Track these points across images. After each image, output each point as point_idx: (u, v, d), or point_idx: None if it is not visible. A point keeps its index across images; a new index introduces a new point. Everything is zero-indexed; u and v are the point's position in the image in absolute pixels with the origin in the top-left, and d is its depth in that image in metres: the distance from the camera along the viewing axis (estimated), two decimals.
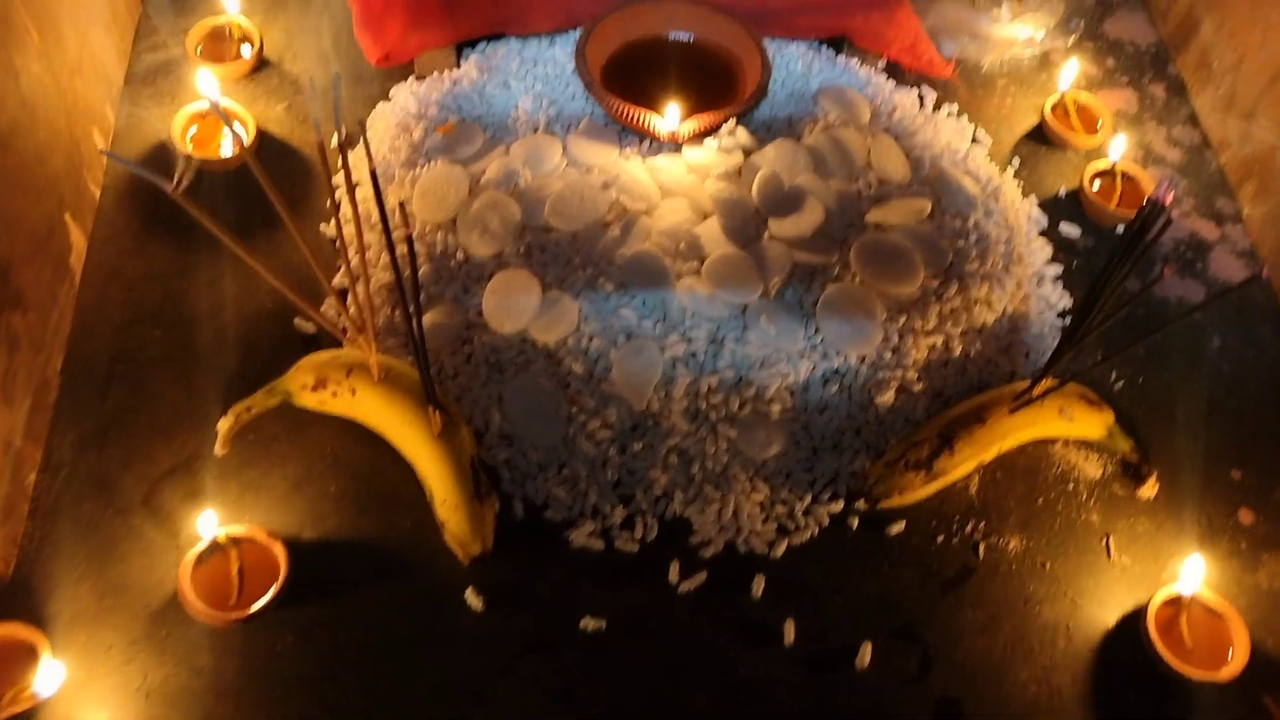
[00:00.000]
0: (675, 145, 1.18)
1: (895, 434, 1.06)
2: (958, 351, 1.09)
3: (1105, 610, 0.98)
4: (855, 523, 1.01)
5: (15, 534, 0.92)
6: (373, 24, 1.25)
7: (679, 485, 1.01)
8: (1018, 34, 1.43)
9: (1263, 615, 0.99)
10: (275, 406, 0.99)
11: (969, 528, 1.02)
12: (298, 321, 1.08)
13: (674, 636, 0.94)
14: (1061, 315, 1.18)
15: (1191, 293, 1.23)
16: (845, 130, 1.21)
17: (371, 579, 0.95)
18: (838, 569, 0.99)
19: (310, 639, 0.91)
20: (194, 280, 1.11)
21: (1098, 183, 1.29)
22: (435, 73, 1.28)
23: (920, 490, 1.01)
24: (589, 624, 0.93)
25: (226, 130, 1.19)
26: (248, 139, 1.19)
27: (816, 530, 1.00)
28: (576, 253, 1.08)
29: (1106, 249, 1.25)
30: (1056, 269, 1.21)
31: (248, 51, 1.28)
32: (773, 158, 1.17)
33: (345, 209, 1.10)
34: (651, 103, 1.17)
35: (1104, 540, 1.03)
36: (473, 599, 0.93)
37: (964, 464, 1.02)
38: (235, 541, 0.92)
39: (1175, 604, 0.96)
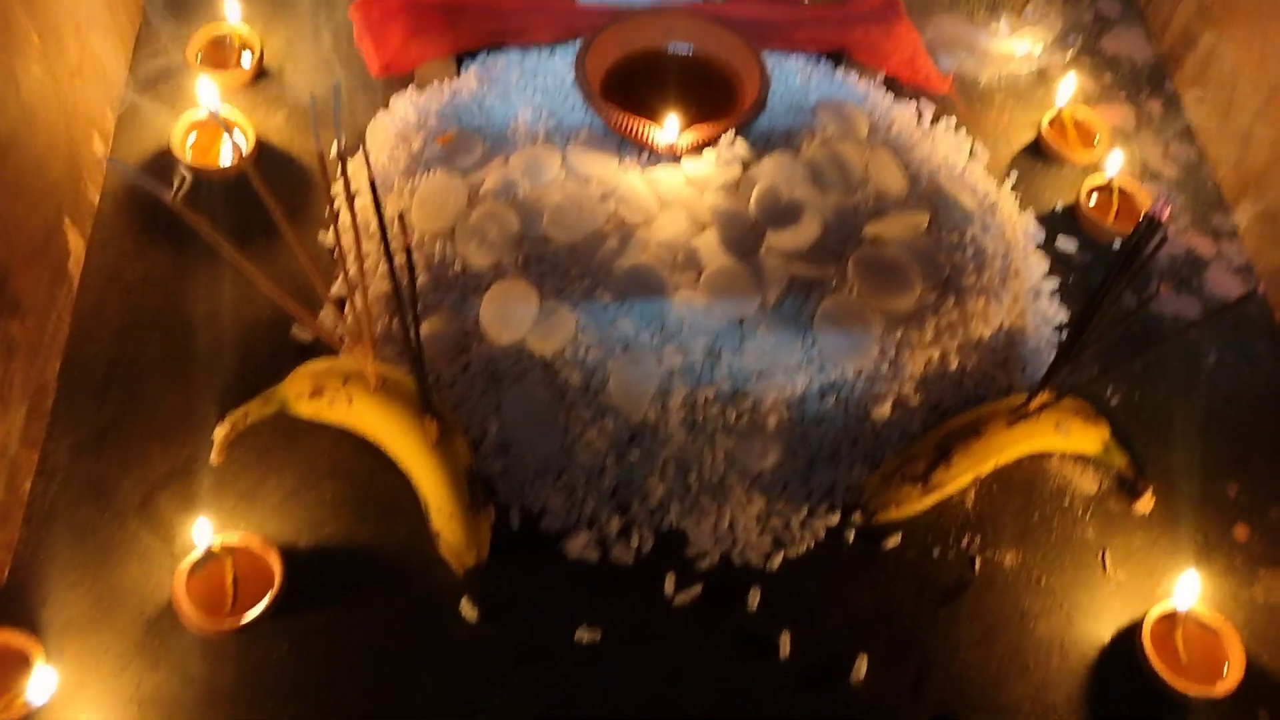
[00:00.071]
0: (674, 157, 1.19)
1: (892, 447, 1.06)
2: (954, 365, 1.09)
3: (1100, 625, 0.98)
4: (851, 535, 1.01)
5: (10, 540, 0.92)
6: (373, 34, 1.26)
7: (676, 496, 1.01)
8: (1015, 49, 1.44)
9: (1258, 630, 0.99)
10: (272, 414, 0.99)
11: (965, 541, 1.02)
12: (295, 330, 1.08)
13: (669, 648, 0.94)
14: (1058, 329, 1.18)
15: (1187, 308, 1.24)
16: (843, 144, 1.22)
17: (367, 588, 0.94)
18: (834, 581, 0.99)
19: (305, 648, 0.90)
20: (192, 287, 1.11)
21: (1094, 198, 1.29)
22: (435, 83, 1.29)
23: (917, 503, 1.01)
24: (584, 635, 0.93)
25: (226, 138, 1.19)
26: (247, 147, 1.19)
27: (812, 543, 1.00)
28: (575, 263, 1.08)
29: (1103, 264, 1.25)
30: (1053, 283, 1.22)
31: (248, 60, 1.29)
32: (771, 170, 1.17)
33: (344, 218, 1.11)
34: (650, 114, 1.17)
35: (1100, 555, 1.03)
36: (467, 609, 0.93)
37: (960, 477, 1.02)
38: (230, 550, 0.92)
39: (1170, 619, 0.96)
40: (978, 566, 1.01)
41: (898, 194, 1.18)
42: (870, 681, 0.93)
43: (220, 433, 0.97)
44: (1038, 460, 1.08)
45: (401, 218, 1.13)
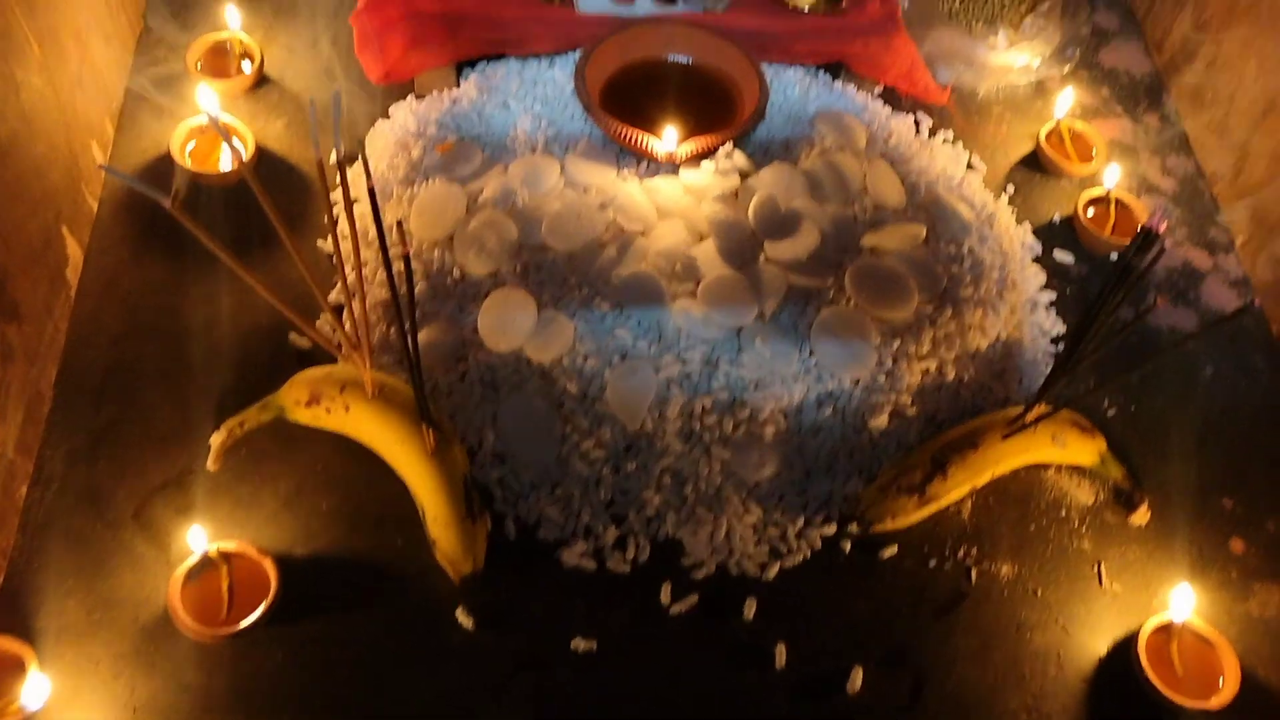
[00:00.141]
0: (672, 167, 1.19)
1: (888, 458, 1.06)
2: (951, 376, 1.10)
3: (1096, 637, 0.98)
4: (848, 546, 1.01)
5: (5, 546, 0.92)
6: (373, 42, 1.26)
7: (672, 506, 1.01)
8: (1013, 62, 1.44)
9: (1253, 644, 0.99)
10: (268, 422, 0.99)
11: (961, 553, 1.02)
12: (293, 337, 1.08)
13: (665, 658, 0.94)
14: (1054, 341, 1.19)
15: (1184, 321, 1.24)
16: (841, 155, 1.22)
17: (362, 596, 0.94)
18: (830, 592, 0.99)
19: (300, 656, 0.90)
20: (190, 294, 1.11)
21: (1092, 210, 1.29)
22: (435, 92, 1.29)
23: (913, 514, 1.02)
24: (580, 644, 0.93)
25: (225, 146, 1.20)
26: (247, 155, 1.19)
27: (809, 553, 1.00)
28: (573, 272, 1.09)
29: (1100, 276, 1.25)
30: (1050, 295, 1.22)
31: (248, 67, 1.29)
32: (769, 181, 1.17)
33: (343, 225, 1.11)
34: (649, 125, 1.18)
35: (1095, 567, 1.03)
36: (463, 618, 0.93)
37: (957, 489, 1.02)
38: (226, 557, 0.92)
39: (1166, 632, 0.96)
40: (974, 578, 1.01)
41: (896, 205, 1.18)
42: (866, 693, 0.93)
43: (217, 440, 0.97)
44: (1034, 472, 1.08)
45: (400, 226, 1.12)
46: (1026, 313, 1.19)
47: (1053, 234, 1.29)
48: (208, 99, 1.18)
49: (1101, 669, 0.96)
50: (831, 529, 1.02)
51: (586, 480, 1.01)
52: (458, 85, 1.30)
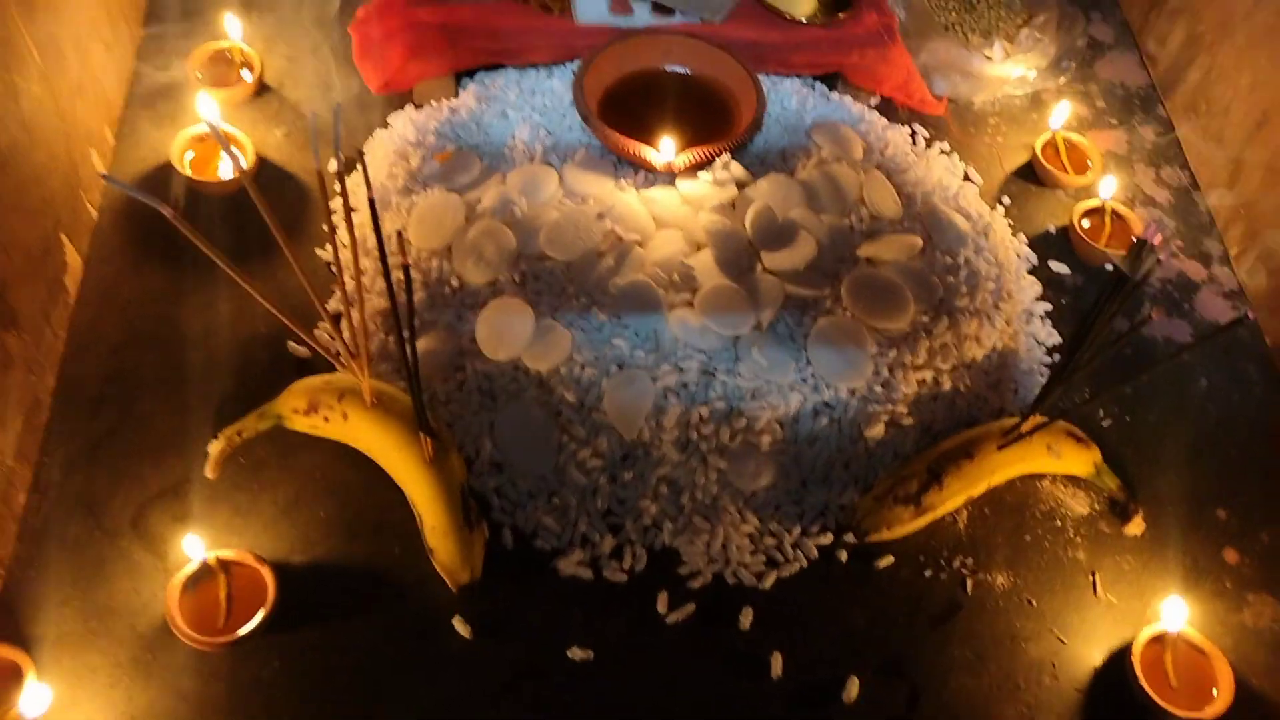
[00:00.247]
0: (670, 177, 1.19)
1: (884, 468, 1.06)
2: (947, 386, 1.10)
3: (1091, 647, 0.99)
4: (844, 556, 1.02)
5: (3, 554, 0.92)
6: (373, 52, 1.26)
7: (668, 515, 1.01)
8: (1009, 73, 1.45)
9: (1247, 654, 0.99)
10: (267, 430, 1.00)
11: (957, 563, 1.03)
12: (291, 345, 1.09)
13: (662, 667, 0.94)
14: (1050, 352, 1.19)
15: (1179, 332, 1.24)
16: (838, 166, 1.22)
17: (360, 604, 0.94)
18: (826, 602, 0.99)
19: (297, 664, 0.90)
20: (188, 303, 1.11)
21: (1087, 221, 1.30)
22: (434, 101, 1.30)
23: (909, 524, 1.02)
24: (577, 653, 0.93)
25: (225, 154, 1.20)
26: (246, 163, 1.20)
27: (805, 563, 1.01)
28: (570, 282, 1.09)
29: (1095, 287, 1.26)
30: (1045, 306, 1.23)
31: (248, 76, 1.29)
32: (766, 191, 1.18)
33: (341, 234, 1.11)
34: (647, 135, 1.18)
35: (1090, 577, 1.03)
36: (461, 627, 0.93)
37: (953, 499, 1.02)
38: (224, 565, 0.92)
39: (1160, 642, 0.97)
40: (970, 588, 1.01)
41: (892, 216, 1.19)
42: (862, 702, 0.93)
43: (215, 448, 0.97)
44: (1029, 482, 1.09)
45: (400, 235, 1.13)
46: (1022, 323, 1.20)
47: (1048, 245, 1.30)
48: (208, 108, 1.18)
49: (1096, 679, 0.97)
50: (828, 539, 1.02)
51: (584, 489, 1.01)
52: (456, 95, 1.31)
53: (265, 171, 1.23)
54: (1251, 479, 1.12)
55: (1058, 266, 1.27)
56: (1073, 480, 1.09)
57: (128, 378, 1.05)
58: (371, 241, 1.12)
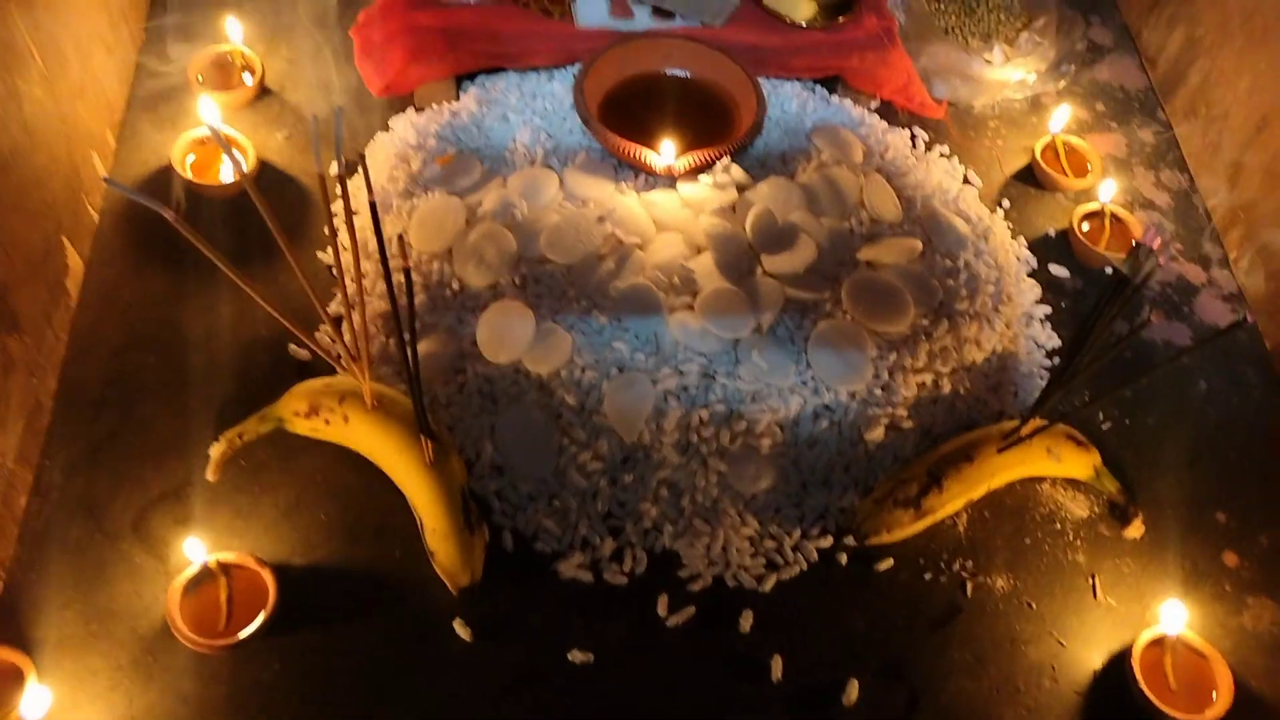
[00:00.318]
0: (670, 180, 1.20)
1: (884, 471, 1.06)
2: (947, 389, 1.10)
3: (1090, 651, 0.99)
4: (844, 559, 1.02)
5: (4, 557, 0.92)
6: (374, 55, 1.27)
7: (669, 518, 1.01)
8: (1009, 77, 1.45)
9: (1246, 657, 0.99)
10: (268, 433, 1.00)
11: (957, 566, 1.03)
12: (292, 348, 1.09)
13: (662, 669, 0.94)
14: (1049, 355, 1.19)
15: (1178, 335, 1.25)
16: (838, 169, 1.23)
17: (360, 607, 0.95)
18: (826, 605, 0.99)
19: (298, 667, 0.91)
20: (189, 305, 1.11)
21: (1087, 225, 1.30)
22: (434, 104, 1.30)
23: (909, 528, 1.02)
24: (577, 656, 0.93)
25: (226, 157, 1.20)
26: (247, 166, 1.20)
27: (805, 565, 1.01)
28: (571, 285, 1.09)
29: (1095, 290, 1.26)
30: (1045, 309, 1.23)
31: (249, 80, 1.30)
32: (766, 195, 1.18)
33: (343, 237, 1.11)
34: (648, 138, 1.18)
35: (1090, 580, 1.03)
36: (461, 629, 0.93)
37: (952, 502, 1.02)
38: (225, 568, 0.92)
39: (1160, 645, 0.97)
40: (969, 591, 1.01)
41: (892, 219, 1.19)
42: (862, 705, 0.93)
43: (216, 450, 0.97)
44: (1029, 485, 1.09)
45: (400, 238, 1.13)
46: (1022, 326, 1.20)
47: (1048, 248, 1.30)
48: (209, 111, 1.18)
49: (1096, 682, 0.97)
50: (828, 541, 1.02)
51: (584, 492, 1.01)
52: (457, 98, 1.31)
53: (266, 174, 1.23)
54: (1251, 482, 1.12)
55: (1057, 269, 1.28)
56: (1072, 483, 1.09)
57: (129, 380, 1.05)
58: (372, 244, 1.13)
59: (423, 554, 0.95)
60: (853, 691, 0.93)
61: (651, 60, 1.30)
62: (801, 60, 1.35)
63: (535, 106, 1.29)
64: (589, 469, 1.01)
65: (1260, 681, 0.98)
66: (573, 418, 1.03)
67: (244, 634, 0.88)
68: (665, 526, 1.01)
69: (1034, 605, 1.01)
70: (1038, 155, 1.37)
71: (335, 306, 1.11)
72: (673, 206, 1.17)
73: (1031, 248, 1.29)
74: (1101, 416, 1.15)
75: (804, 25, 1.34)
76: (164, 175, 1.21)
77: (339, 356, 0.94)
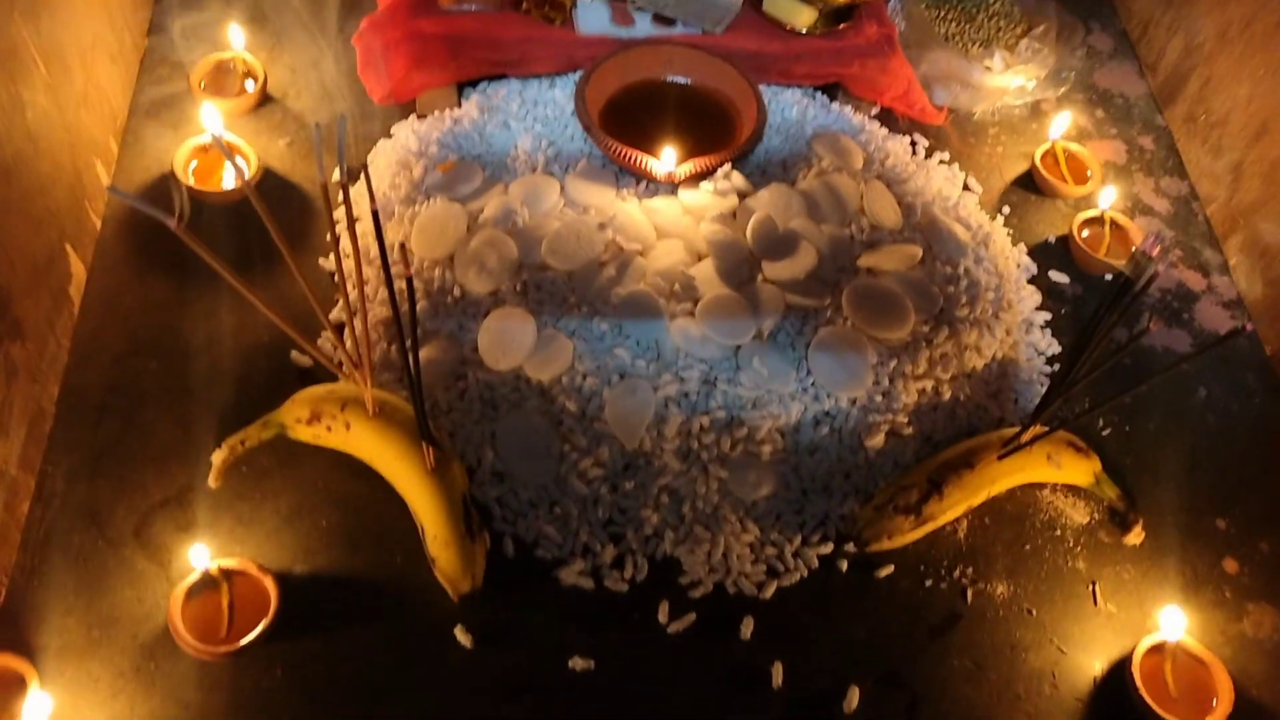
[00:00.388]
0: (671, 187, 1.20)
1: (884, 477, 1.07)
2: (947, 396, 1.10)
3: (1091, 657, 0.99)
4: (844, 565, 1.02)
5: (6, 564, 0.93)
6: (376, 63, 1.27)
7: (669, 525, 1.01)
8: (1009, 84, 1.45)
9: (1247, 664, 0.99)
10: (269, 440, 1.00)
11: (957, 572, 1.03)
12: (294, 355, 1.09)
13: (663, 677, 0.94)
14: (1050, 362, 1.19)
15: (1178, 342, 1.25)
16: (838, 176, 1.23)
17: (362, 614, 0.95)
18: (826, 611, 0.99)
19: (300, 673, 0.91)
20: (191, 312, 1.11)
21: (1086, 231, 1.31)
22: (436, 111, 1.30)
23: (909, 534, 1.02)
24: (578, 663, 0.93)
25: (228, 164, 1.20)
26: (250, 173, 1.20)
27: (806, 572, 1.01)
28: (572, 291, 1.09)
29: (1095, 297, 1.26)
30: (1045, 316, 1.23)
31: (251, 87, 1.30)
32: (767, 201, 1.18)
33: (344, 244, 1.12)
34: (649, 145, 1.19)
35: (1090, 587, 1.03)
36: (462, 636, 0.93)
37: (953, 509, 1.03)
38: (226, 574, 0.92)
39: (1160, 652, 0.97)
40: (970, 597, 1.01)
41: (892, 226, 1.19)
42: (863, 713, 0.93)
43: (218, 457, 0.98)
44: (1029, 492, 1.09)
45: (403, 248, 1.14)
46: (1022, 333, 1.20)
47: (1048, 254, 1.30)
48: (211, 118, 1.19)
49: (1096, 689, 0.97)
50: (828, 548, 1.02)
51: (585, 499, 1.01)
52: (459, 105, 1.31)
53: (268, 181, 1.24)
54: (1251, 488, 1.12)
55: (1057, 276, 1.28)
56: (1073, 490, 1.09)
57: (131, 387, 1.05)
58: (374, 251, 1.13)
59: (424, 561, 0.95)
60: (853, 698, 0.93)
61: (652, 67, 1.30)
62: (802, 67, 1.35)
63: (537, 113, 1.29)
64: (590, 476, 1.02)
65: (1260, 688, 0.98)
66: (574, 424, 1.03)
67: (245, 641, 0.89)
68: (666, 533, 1.01)
69: (1034, 612, 1.01)
70: (1038, 162, 1.37)
71: (337, 313, 1.11)
72: (674, 213, 1.17)
73: (1031, 254, 1.29)
74: (1101, 423, 1.15)
75: (804, 32, 1.34)
76: (166, 182, 1.21)
77: (340, 363, 0.95)
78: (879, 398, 1.07)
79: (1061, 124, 1.39)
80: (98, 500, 0.98)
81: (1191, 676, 0.96)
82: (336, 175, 1.19)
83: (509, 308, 1.08)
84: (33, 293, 1.00)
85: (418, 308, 1.10)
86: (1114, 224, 1.31)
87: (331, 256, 1.17)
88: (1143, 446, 1.14)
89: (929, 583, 1.02)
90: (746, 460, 1.04)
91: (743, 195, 1.20)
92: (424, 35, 1.26)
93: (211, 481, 0.98)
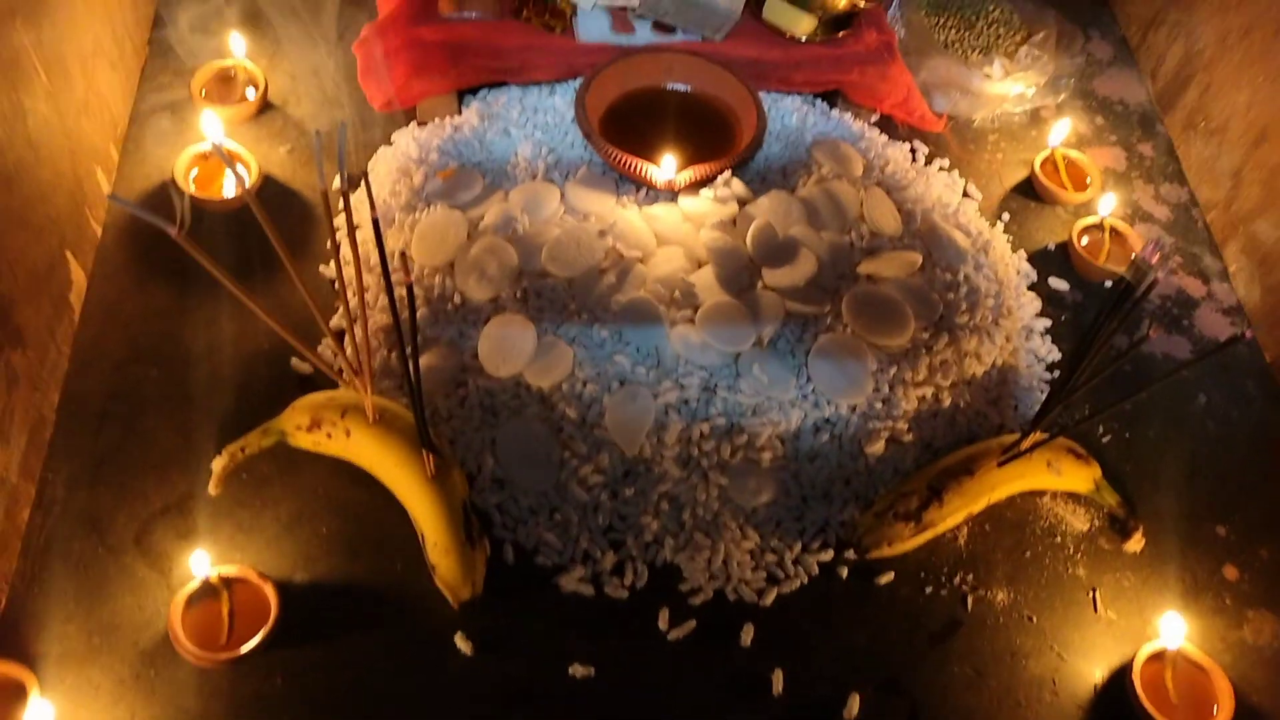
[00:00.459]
0: (671, 194, 1.20)
1: (884, 484, 1.07)
2: (947, 403, 1.10)
3: (1091, 664, 0.99)
4: (844, 572, 1.02)
5: (7, 571, 0.93)
6: (376, 70, 1.27)
7: (670, 532, 1.01)
8: (1009, 91, 1.45)
9: (1247, 671, 0.99)
10: (270, 447, 1.00)
11: (957, 579, 1.03)
12: (294, 362, 1.09)
13: (663, 684, 0.94)
14: (1050, 368, 1.20)
15: (1178, 348, 1.25)
16: (838, 183, 1.23)
17: (362, 621, 0.95)
18: (827, 618, 0.99)
19: (300, 681, 0.91)
20: (192, 319, 1.11)
21: (1086, 238, 1.31)
22: (437, 119, 1.30)
23: (909, 541, 1.02)
24: (578, 670, 0.93)
25: (229, 171, 1.21)
26: (250, 180, 1.20)
27: (806, 579, 1.01)
28: (572, 298, 1.09)
29: (1095, 303, 1.26)
30: (1045, 322, 1.23)
31: (252, 94, 1.30)
32: (767, 208, 1.19)
33: (345, 251, 1.12)
34: (649, 152, 1.19)
35: (1090, 594, 1.03)
36: (462, 643, 0.93)
37: (953, 516, 1.03)
38: (227, 582, 0.92)
39: (1160, 659, 0.97)
40: (970, 604, 1.01)
41: (892, 233, 1.20)
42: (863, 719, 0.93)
43: (218, 464, 0.98)
44: (1029, 499, 1.09)
45: (404, 256, 1.14)
46: (1022, 340, 1.20)
47: (1048, 261, 1.30)
48: (212, 125, 1.19)
49: (1097, 696, 0.97)
50: (828, 555, 1.02)
51: (585, 506, 1.01)
52: (459, 112, 1.32)
53: (268, 188, 1.24)
54: (1251, 495, 1.12)
55: (1057, 283, 1.28)
56: (1073, 497, 1.10)
57: (131, 394, 1.06)
58: (374, 258, 1.13)
59: (424, 568, 0.95)
60: (854, 705, 0.93)
61: (652, 75, 1.31)
62: (802, 74, 1.35)
63: (537, 121, 1.30)
64: (590, 482, 1.02)
65: (1261, 695, 0.98)
66: (574, 431, 1.03)
67: (246, 648, 0.89)
68: (666, 540, 1.01)
69: (1034, 619, 1.01)
70: (1037, 169, 1.37)
71: (337, 320, 1.11)
72: (674, 220, 1.17)
73: (1031, 261, 1.30)
74: (1101, 430, 1.15)
75: (804, 40, 1.34)
76: (167, 189, 1.21)
77: (341, 370, 0.95)
78: (879, 404, 1.08)
79: (1061, 131, 1.39)
80: (98, 507, 0.98)
81: (1192, 683, 0.96)
82: (337, 182, 1.20)
83: (509, 315, 1.08)
84: (34, 300, 1.00)
85: (418, 315, 1.09)
86: (1114, 231, 1.31)
87: (332, 264, 1.17)
88: (1143, 453, 1.14)
89: (929, 589, 1.02)
90: (746, 467, 1.04)
91: (743, 202, 1.20)
92: (424, 43, 1.26)
93: (212, 489, 0.98)
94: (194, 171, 1.21)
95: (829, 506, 1.05)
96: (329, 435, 0.99)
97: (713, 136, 1.27)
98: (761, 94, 1.29)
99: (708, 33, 1.32)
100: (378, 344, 1.10)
